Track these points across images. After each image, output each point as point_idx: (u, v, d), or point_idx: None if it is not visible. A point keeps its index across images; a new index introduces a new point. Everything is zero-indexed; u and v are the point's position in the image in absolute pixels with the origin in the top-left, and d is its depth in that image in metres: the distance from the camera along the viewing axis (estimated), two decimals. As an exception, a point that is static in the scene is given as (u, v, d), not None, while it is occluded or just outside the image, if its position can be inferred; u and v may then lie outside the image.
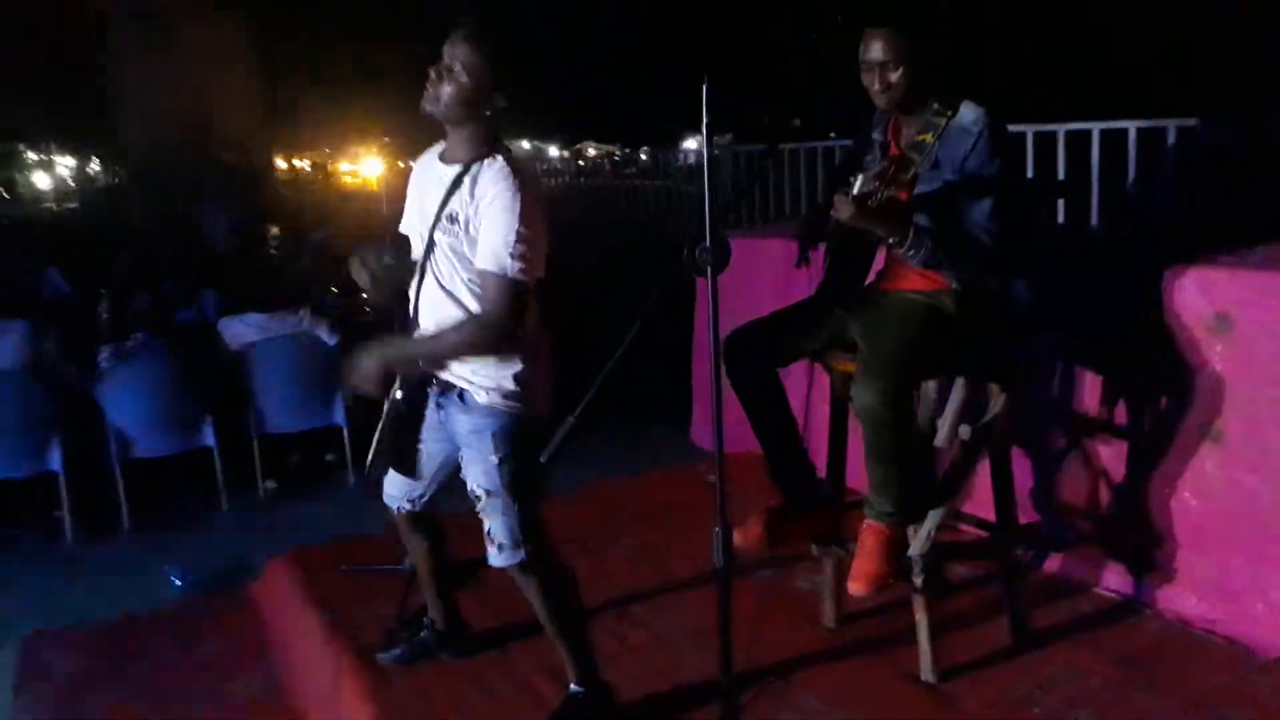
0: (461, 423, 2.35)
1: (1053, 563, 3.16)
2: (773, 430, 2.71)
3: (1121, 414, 3.01)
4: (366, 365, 2.30)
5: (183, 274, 6.43)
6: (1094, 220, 4.10)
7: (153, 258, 7.59)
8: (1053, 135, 4.26)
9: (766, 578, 3.19)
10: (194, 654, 3.43)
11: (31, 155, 33.06)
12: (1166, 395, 2.88)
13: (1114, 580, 3.02)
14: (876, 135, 2.68)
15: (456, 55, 2.21)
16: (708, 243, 1.51)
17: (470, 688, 2.71)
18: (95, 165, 31.82)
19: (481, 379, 2.31)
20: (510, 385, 2.30)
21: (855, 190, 2.25)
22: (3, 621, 3.80)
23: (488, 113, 2.25)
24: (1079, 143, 4.22)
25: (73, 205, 26.24)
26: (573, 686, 2.51)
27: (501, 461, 2.31)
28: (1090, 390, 3.08)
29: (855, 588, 2.50)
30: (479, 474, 2.35)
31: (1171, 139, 4.12)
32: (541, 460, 1.71)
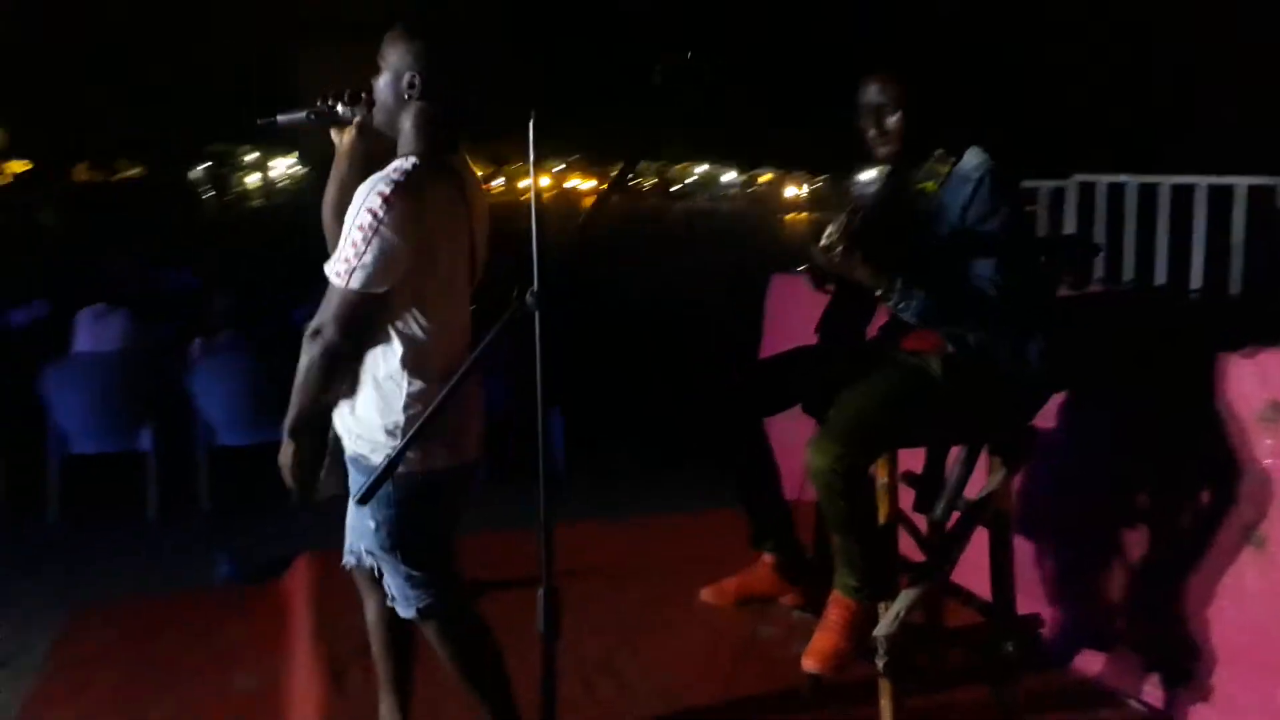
0: (350, 475, 2.15)
1: (1075, 662, 2.85)
2: (751, 482, 2.56)
3: (1157, 504, 2.68)
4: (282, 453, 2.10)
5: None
6: (1196, 282, 3.72)
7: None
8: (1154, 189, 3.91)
9: (764, 636, 3.02)
10: (213, 640, 3.55)
11: (250, 156, 35.95)
12: (1207, 488, 2.54)
13: (1140, 689, 2.68)
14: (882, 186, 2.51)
15: (381, 55, 2.05)
16: (535, 286, 1.42)
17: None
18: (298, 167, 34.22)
19: (357, 426, 2.08)
20: (382, 437, 2.04)
21: (822, 241, 2.11)
22: (72, 589, 4.08)
23: (408, 119, 2.03)
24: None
25: (259, 203, 28.29)
26: None
27: (379, 526, 2.08)
28: (1122, 473, 2.76)
29: (808, 663, 2.32)
30: (358, 534, 2.17)
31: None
32: (358, 502, 1.60)
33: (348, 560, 2.27)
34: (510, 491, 4.93)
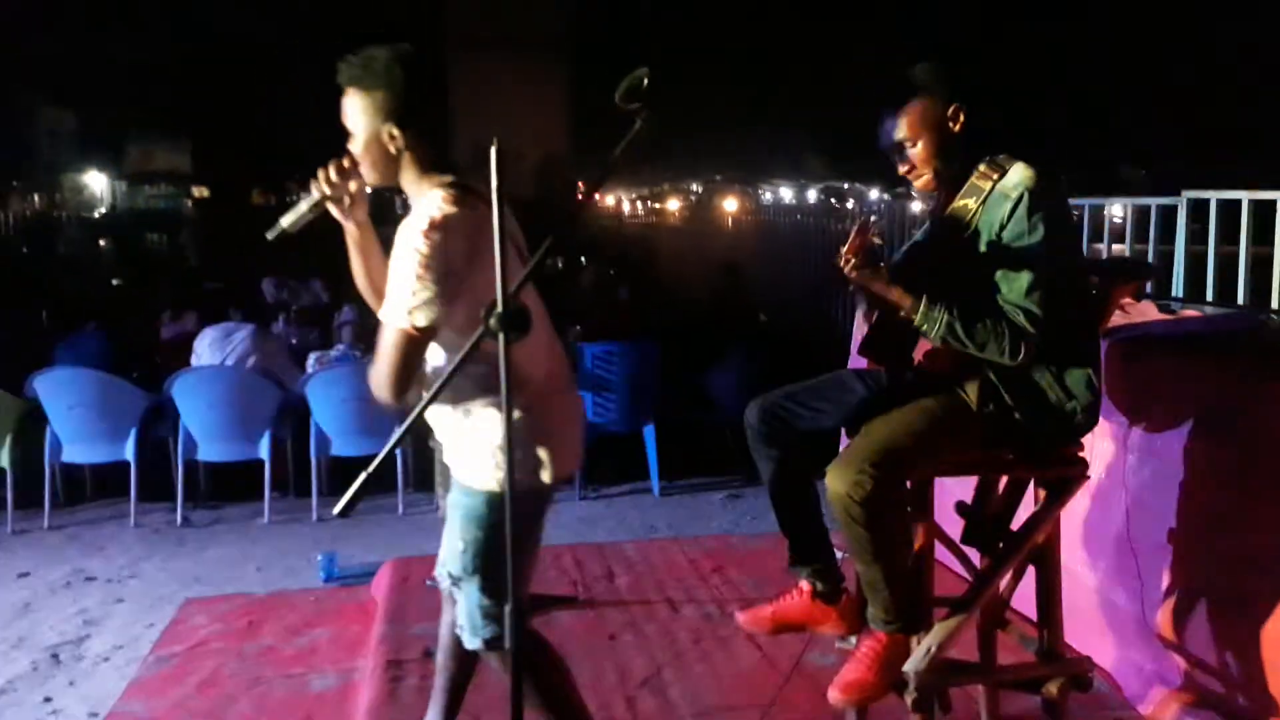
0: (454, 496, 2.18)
1: (1145, 706, 2.67)
2: (789, 507, 2.53)
3: (1238, 543, 2.49)
4: None
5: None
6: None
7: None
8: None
9: (813, 663, 2.96)
10: (301, 640, 3.74)
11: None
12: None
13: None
14: (927, 204, 2.45)
15: (346, 119, 2.05)
16: (499, 308, 1.46)
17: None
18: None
19: (458, 447, 2.14)
20: (480, 459, 2.08)
21: (840, 256, 2.08)
22: (191, 583, 4.40)
23: (405, 166, 2.05)
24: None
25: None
26: None
27: (465, 548, 2.11)
28: (1201, 509, 2.57)
29: (833, 694, 2.27)
30: (448, 553, 2.19)
31: None
32: (338, 511, 1.67)
33: (437, 573, 2.28)
34: (602, 505, 4.99)
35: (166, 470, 5.20)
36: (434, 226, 1.93)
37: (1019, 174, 2.18)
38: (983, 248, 2.19)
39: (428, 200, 2.01)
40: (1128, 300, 3.42)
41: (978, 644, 2.63)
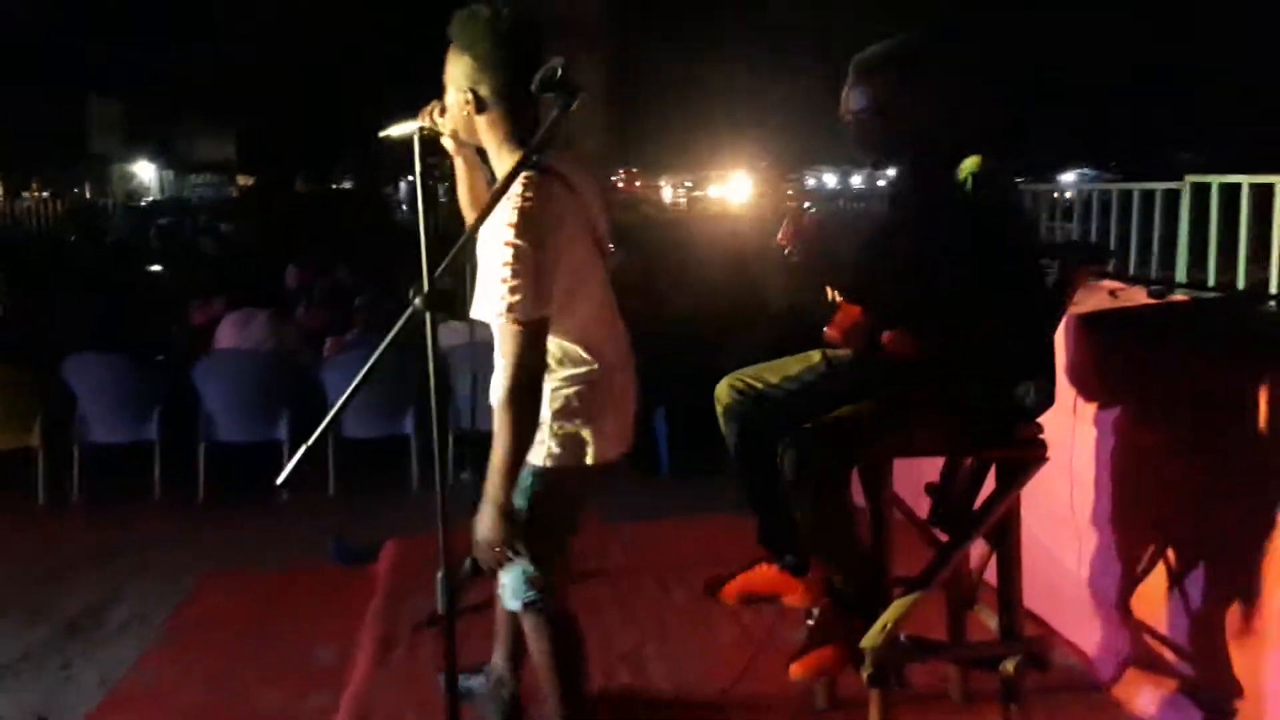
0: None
1: (1116, 689, 2.69)
2: (756, 485, 2.58)
3: (1214, 528, 2.50)
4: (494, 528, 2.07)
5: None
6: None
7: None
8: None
9: (792, 639, 3.01)
10: (307, 614, 3.88)
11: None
12: (1262, 512, 2.35)
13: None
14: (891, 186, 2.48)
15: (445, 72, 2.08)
16: (425, 287, 1.54)
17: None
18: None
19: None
20: (540, 439, 2.14)
21: (778, 238, 2.13)
22: (208, 559, 4.55)
23: (485, 131, 2.08)
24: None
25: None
26: None
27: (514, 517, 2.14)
28: (1179, 493, 2.59)
29: (794, 670, 2.33)
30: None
31: None
32: (278, 484, 1.76)
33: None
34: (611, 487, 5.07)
35: (189, 450, 5.36)
36: (518, 222, 1.94)
37: (967, 164, 2.20)
38: (927, 232, 2.21)
39: (513, 189, 1.97)
40: (1119, 286, 3.43)
41: (947, 623, 2.69)
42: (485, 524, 2.06)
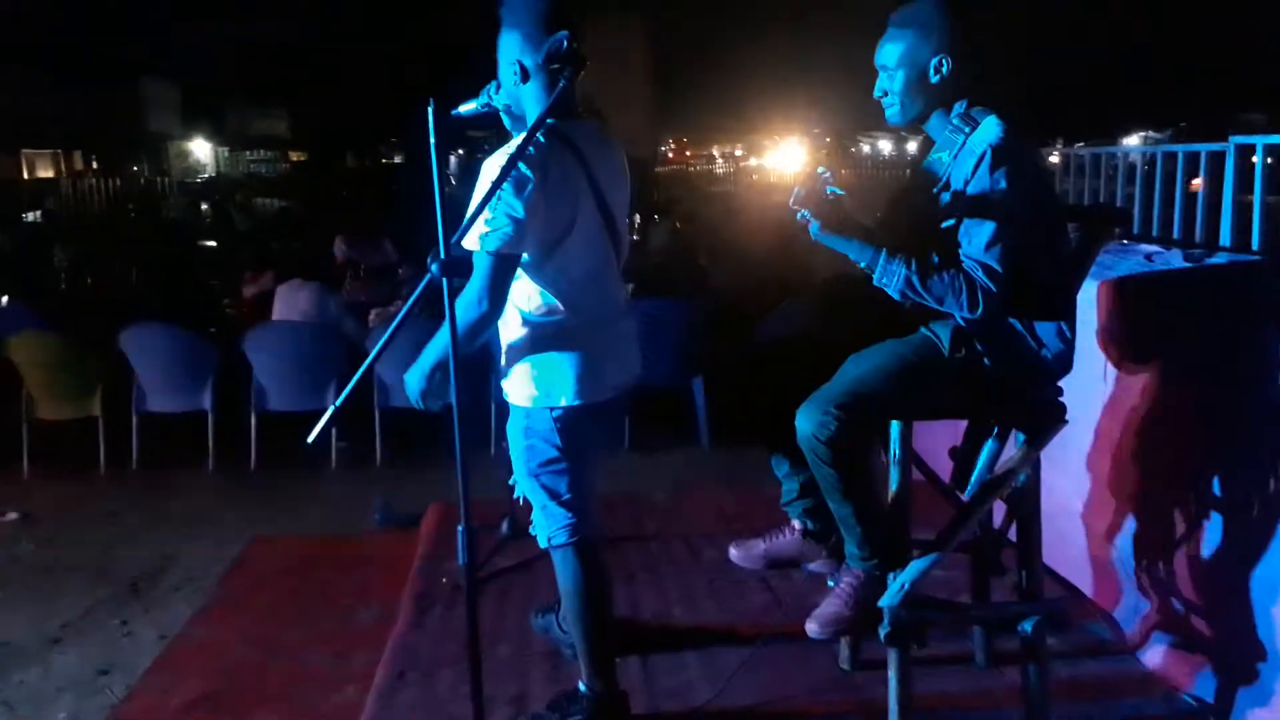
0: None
1: (1144, 653, 2.71)
2: (780, 448, 2.62)
3: (1233, 492, 2.50)
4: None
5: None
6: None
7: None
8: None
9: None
10: (352, 577, 4.01)
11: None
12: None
13: (1193, 682, 2.53)
14: (917, 151, 2.48)
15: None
16: (442, 254, 1.60)
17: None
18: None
19: (506, 376, 2.39)
20: (515, 377, 2.36)
21: (790, 203, 2.15)
22: (259, 524, 4.71)
23: (525, 100, 2.27)
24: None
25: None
26: (580, 685, 2.53)
27: (518, 456, 2.42)
28: (1200, 457, 2.58)
29: (811, 627, 2.37)
30: (514, 462, 2.47)
31: None
32: (309, 442, 1.85)
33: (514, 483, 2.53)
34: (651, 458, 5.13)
35: (241, 420, 5.53)
36: (505, 166, 2.08)
37: (987, 129, 2.19)
38: (951, 201, 2.22)
39: (524, 138, 2.12)
40: (1156, 249, 3.39)
41: (970, 584, 2.72)
42: (415, 377, 2.37)
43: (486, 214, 2.11)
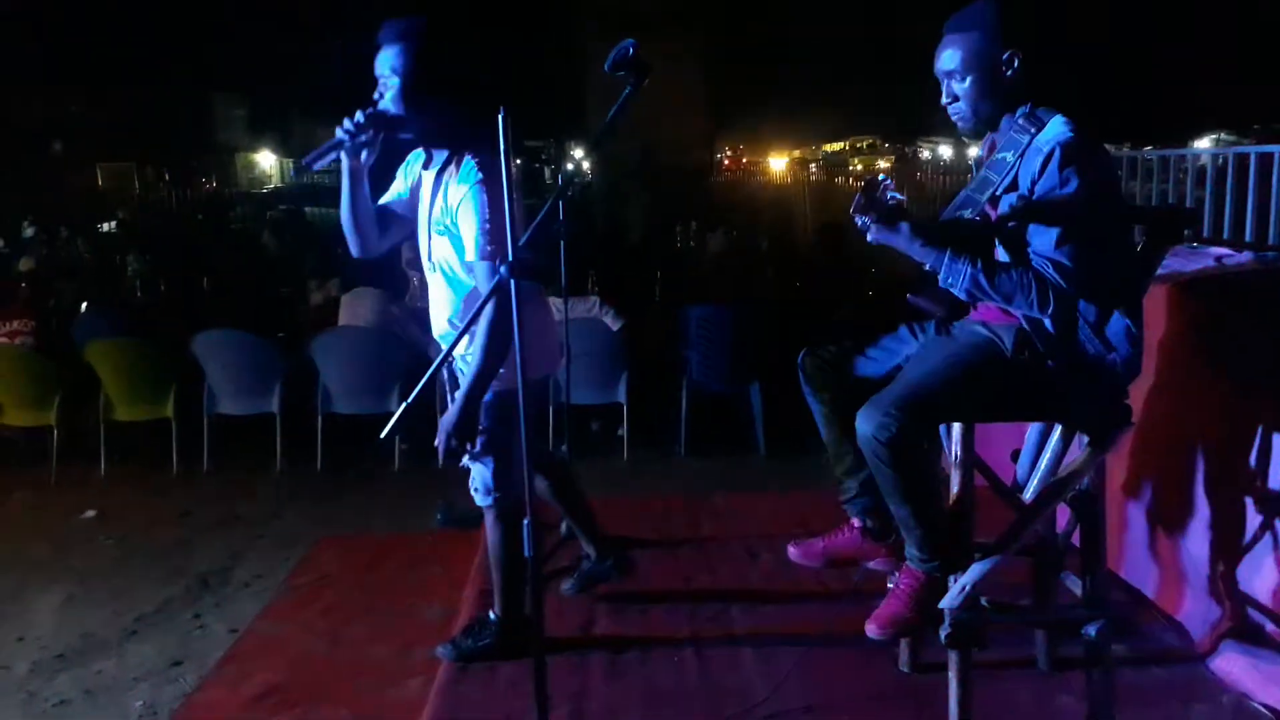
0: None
1: (1214, 660, 2.65)
2: (840, 446, 2.62)
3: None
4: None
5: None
6: None
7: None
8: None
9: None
10: (415, 576, 4.09)
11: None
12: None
13: (1265, 691, 2.47)
14: (980, 153, 2.47)
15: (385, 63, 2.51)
16: (510, 258, 1.64)
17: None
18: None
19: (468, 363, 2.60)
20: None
21: (852, 209, 2.16)
22: (325, 524, 4.83)
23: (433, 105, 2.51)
24: None
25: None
26: (490, 613, 2.97)
27: (482, 433, 2.65)
28: (1263, 456, 2.53)
29: (870, 628, 2.37)
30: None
31: None
32: (383, 437, 1.91)
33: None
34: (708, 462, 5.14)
35: (308, 423, 5.66)
36: (484, 180, 2.49)
37: (1054, 128, 2.19)
38: (1018, 201, 2.21)
39: (472, 163, 2.56)
40: (1227, 251, 3.33)
41: (1032, 587, 2.69)
42: (451, 419, 2.57)
43: (489, 229, 2.45)
